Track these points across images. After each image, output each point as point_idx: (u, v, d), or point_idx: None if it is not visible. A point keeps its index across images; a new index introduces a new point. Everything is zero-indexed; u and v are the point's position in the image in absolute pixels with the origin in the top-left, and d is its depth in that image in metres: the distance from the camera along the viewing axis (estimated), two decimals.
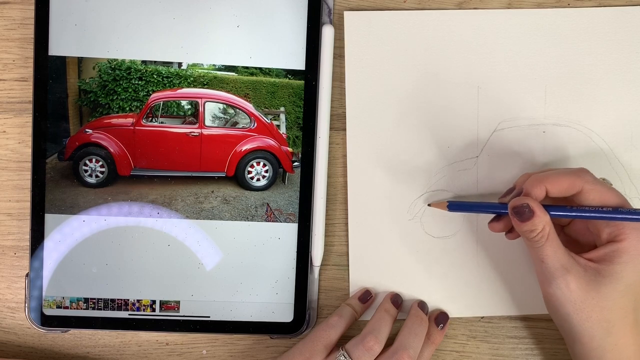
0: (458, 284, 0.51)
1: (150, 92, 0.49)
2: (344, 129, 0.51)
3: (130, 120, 0.49)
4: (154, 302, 0.50)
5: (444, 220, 0.51)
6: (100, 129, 0.49)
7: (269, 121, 0.50)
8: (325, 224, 0.51)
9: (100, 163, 0.50)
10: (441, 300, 0.51)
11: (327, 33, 0.49)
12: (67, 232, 0.49)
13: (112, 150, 0.50)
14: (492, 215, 0.47)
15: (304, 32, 0.49)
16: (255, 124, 0.50)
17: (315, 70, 0.49)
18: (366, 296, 0.50)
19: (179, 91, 0.49)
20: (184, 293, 0.50)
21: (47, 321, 0.50)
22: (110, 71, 0.49)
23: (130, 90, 0.49)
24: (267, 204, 0.50)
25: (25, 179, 0.50)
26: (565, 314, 0.44)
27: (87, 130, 0.49)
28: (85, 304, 0.50)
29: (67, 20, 0.48)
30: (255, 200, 0.50)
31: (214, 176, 0.50)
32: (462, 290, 0.51)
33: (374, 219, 0.51)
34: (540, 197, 0.44)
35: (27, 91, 0.50)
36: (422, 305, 0.50)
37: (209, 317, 0.50)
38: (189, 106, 0.50)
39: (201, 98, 0.50)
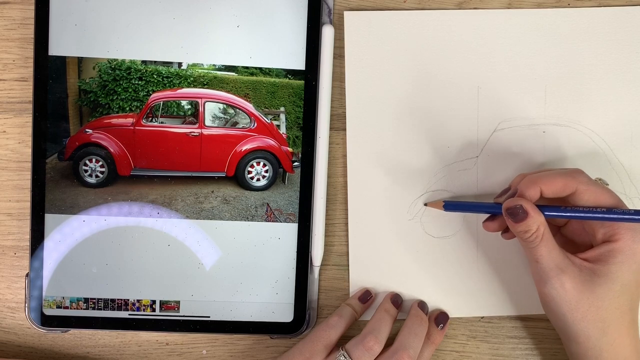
0: (458, 284, 0.51)
1: (150, 92, 0.49)
2: (344, 129, 0.51)
3: (130, 120, 0.49)
4: (154, 302, 0.50)
5: (444, 220, 0.51)
6: (100, 129, 0.49)
7: (269, 121, 0.50)
8: (325, 224, 0.51)
9: (100, 163, 0.50)
10: (441, 300, 0.51)
11: (327, 33, 0.49)
12: (67, 232, 0.49)
13: (112, 150, 0.50)
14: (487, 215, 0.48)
15: (304, 32, 0.49)
16: (255, 124, 0.50)
17: (315, 70, 0.49)
18: (366, 296, 0.50)
19: (179, 91, 0.49)
20: (184, 293, 0.50)
21: (47, 321, 0.50)
22: (110, 71, 0.49)
23: (130, 90, 0.49)
24: (267, 204, 0.50)
25: (25, 179, 0.50)
26: (560, 314, 0.44)
27: (87, 130, 0.49)
28: (85, 304, 0.50)
29: (67, 20, 0.48)
30: (255, 200, 0.50)
31: (214, 176, 0.50)
32: (462, 290, 0.51)
33: (374, 219, 0.51)
34: (535, 198, 0.44)
35: (27, 91, 0.50)
36: (422, 305, 0.50)
37: (209, 317, 0.50)
38: (189, 106, 0.50)
39: (201, 98, 0.50)
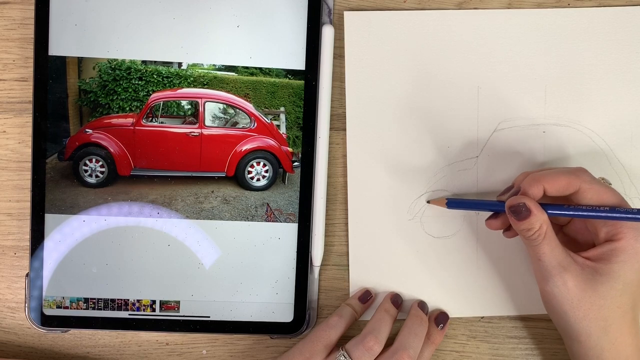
0: (458, 284, 0.51)
1: (150, 92, 0.49)
2: (344, 129, 0.51)
3: (130, 120, 0.49)
4: (154, 302, 0.50)
5: (444, 220, 0.51)
6: (100, 129, 0.49)
7: (269, 121, 0.50)
8: (325, 224, 0.51)
9: (100, 163, 0.50)
10: (441, 300, 0.51)
11: (327, 33, 0.49)
12: (67, 232, 0.49)
13: (112, 150, 0.50)
14: (490, 213, 0.48)
15: (304, 32, 0.49)
16: (255, 124, 0.50)
17: (315, 70, 0.49)
18: (366, 296, 0.50)
19: (179, 91, 0.49)
20: (184, 293, 0.50)
21: (47, 321, 0.50)
22: (110, 71, 0.49)
23: (130, 90, 0.49)
24: (267, 204, 0.50)
25: (25, 179, 0.50)
26: (562, 312, 0.44)
27: (87, 130, 0.49)
28: (85, 304, 0.50)
29: (67, 20, 0.48)
30: (255, 200, 0.50)
31: (214, 176, 0.50)
32: (462, 290, 0.51)
33: (374, 219, 0.51)
34: (538, 196, 0.44)
35: (27, 91, 0.50)
36: (422, 305, 0.50)
37: (209, 317, 0.50)
38: (189, 106, 0.50)
39: (201, 98, 0.50)
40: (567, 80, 0.50)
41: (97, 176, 0.50)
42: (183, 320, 0.50)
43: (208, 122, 0.50)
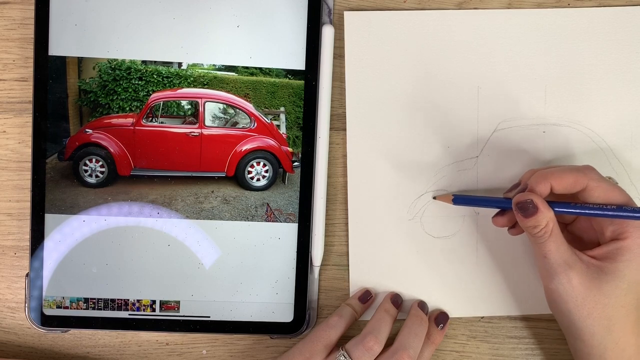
0: (458, 284, 0.51)
1: (150, 92, 0.49)
2: (344, 129, 0.51)
3: (130, 120, 0.49)
4: (154, 302, 0.50)
5: (444, 220, 0.51)
6: (100, 129, 0.49)
7: (269, 121, 0.50)
8: (325, 224, 0.51)
9: (100, 163, 0.50)
10: (441, 300, 0.51)
11: (327, 33, 0.49)
12: (67, 232, 0.49)
13: (112, 150, 0.50)
14: (496, 210, 0.48)
15: (304, 32, 0.49)
16: (255, 124, 0.50)
17: (315, 70, 0.49)
18: (366, 296, 0.50)
19: (179, 91, 0.49)
20: (184, 293, 0.50)
21: (47, 321, 0.50)
22: (110, 71, 0.49)
23: (130, 90, 0.49)
24: (267, 204, 0.50)
25: (25, 179, 0.50)
26: (566, 310, 0.44)
27: (87, 130, 0.49)
28: (85, 304, 0.50)
29: (67, 20, 0.48)
30: (255, 200, 0.50)
31: (214, 176, 0.50)
32: (462, 290, 0.51)
33: (374, 219, 0.51)
34: (545, 194, 0.44)
35: (27, 91, 0.50)
36: (422, 305, 0.50)
37: (209, 317, 0.50)
38: (189, 106, 0.50)
39: (201, 98, 0.50)
40: (567, 80, 0.50)
41: (97, 176, 0.50)
42: (183, 320, 0.50)
43: (208, 122, 0.50)
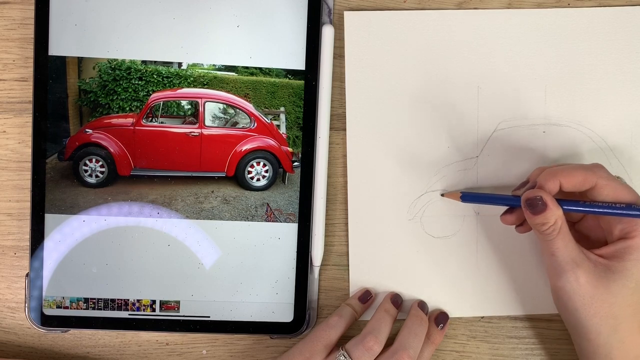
0: (458, 284, 0.51)
1: (150, 92, 0.49)
2: (344, 129, 0.51)
3: (130, 120, 0.49)
4: (154, 302, 0.50)
5: (444, 220, 0.51)
6: (100, 129, 0.49)
7: (269, 121, 0.50)
8: (325, 224, 0.51)
9: (100, 163, 0.50)
10: (441, 300, 0.51)
11: (327, 33, 0.49)
12: (67, 232, 0.49)
13: (112, 150, 0.50)
14: (503, 209, 0.47)
15: (304, 32, 0.49)
16: (255, 124, 0.50)
17: (315, 70, 0.49)
18: (366, 296, 0.50)
19: (179, 91, 0.49)
20: (184, 293, 0.50)
21: (47, 321, 0.50)
22: (110, 71, 0.49)
23: (130, 90, 0.49)
24: (267, 204, 0.50)
25: (25, 179, 0.50)
26: (573, 308, 0.44)
27: (87, 130, 0.49)
28: (85, 304, 0.50)
29: (67, 20, 0.48)
30: (255, 200, 0.50)
31: (214, 176, 0.50)
32: (462, 290, 0.51)
33: (374, 219, 0.51)
34: (554, 191, 0.44)
35: (27, 91, 0.50)
36: (422, 305, 0.50)
37: (209, 317, 0.50)
38: (189, 106, 0.50)
39: (201, 98, 0.50)
40: (567, 80, 0.50)
41: (97, 176, 0.50)
42: (183, 320, 0.50)
43: (208, 122, 0.50)
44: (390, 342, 0.47)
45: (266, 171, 0.50)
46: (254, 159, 0.50)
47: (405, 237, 0.51)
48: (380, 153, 0.50)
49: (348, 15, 0.50)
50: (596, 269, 0.44)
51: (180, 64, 0.49)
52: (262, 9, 0.49)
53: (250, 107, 0.50)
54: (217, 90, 0.50)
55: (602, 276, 0.43)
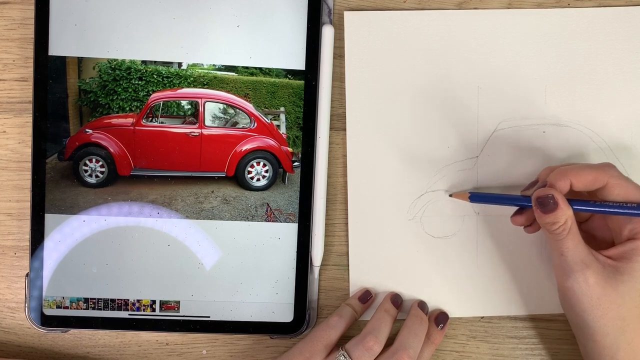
0: (458, 284, 0.51)
1: (150, 92, 0.49)
2: (344, 129, 0.51)
3: (130, 120, 0.49)
4: (154, 302, 0.50)
5: (444, 220, 0.51)
6: (100, 129, 0.49)
7: (269, 121, 0.50)
8: (325, 224, 0.51)
9: (100, 163, 0.50)
10: (441, 300, 0.51)
11: (327, 33, 0.49)
12: (67, 232, 0.49)
13: (112, 150, 0.50)
14: (506, 209, 0.47)
15: (304, 32, 0.49)
16: (255, 124, 0.50)
17: (315, 70, 0.49)
18: (366, 296, 0.50)
19: (179, 91, 0.49)
20: (184, 293, 0.50)
21: (47, 321, 0.50)
22: (110, 71, 0.49)
23: (130, 90, 0.49)
24: (267, 204, 0.50)
25: (25, 179, 0.50)
26: (580, 310, 0.44)
27: (87, 130, 0.49)
28: (85, 304, 0.50)
29: (67, 20, 0.48)
30: (255, 200, 0.50)
31: (214, 176, 0.50)
32: (462, 290, 0.51)
33: (374, 219, 0.51)
34: (565, 190, 0.44)
35: (27, 91, 0.50)
36: (422, 305, 0.50)
37: (209, 317, 0.50)
38: (189, 106, 0.50)
39: (201, 98, 0.50)
40: (567, 80, 0.50)
41: (97, 176, 0.50)
42: (183, 320, 0.50)
43: (208, 122, 0.50)
44: (390, 342, 0.47)
45: (266, 171, 0.50)
46: (254, 159, 0.50)
47: (405, 237, 0.51)
48: (380, 153, 0.50)
49: (348, 15, 0.50)
50: (605, 270, 0.43)
51: (180, 64, 0.49)
52: (262, 9, 0.49)
53: (250, 107, 0.50)
54: (217, 90, 0.50)
55: (611, 277, 0.43)
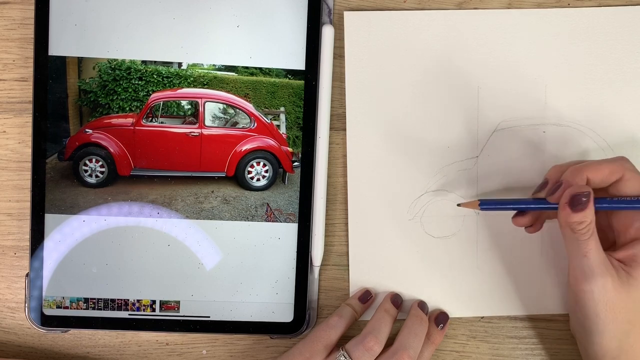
0: (458, 284, 0.51)
1: (150, 92, 0.49)
2: (344, 129, 0.51)
3: (130, 120, 0.49)
4: (154, 302, 0.50)
5: (444, 220, 0.51)
6: (100, 129, 0.49)
7: (269, 121, 0.50)
8: (325, 224, 0.51)
9: (100, 163, 0.50)
10: (441, 300, 0.51)
11: (327, 33, 0.49)
12: (67, 232, 0.49)
13: (112, 150, 0.50)
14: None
15: (304, 32, 0.49)
16: (255, 124, 0.50)
17: (315, 70, 0.49)
18: (366, 296, 0.50)
19: (179, 91, 0.49)
20: (184, 293, 0.50)
21: (47, 321, 0.50)
22: (110, 71, 0.49)
23: (130, 90, 0.49)
24: (267, 204, 0.50)
25: (25, 179, 0.50)
26: (594, 313, 0.43)
27: (87, 130, 0.49)
28: (85, 304, 0.50)
29: (67, 20, 0.48)
30: (255, 200, 0.50)
31: (214, 176, 0.50)
32: (462, 290, 0.51)
33: (374, 219, 0.51)
34: None
35: (27, 91, 0.50)
36: (422, 305, 0.50)
37: (209, 317, 0.50)
38: (189, 106, 0.50)
39: (201, 98, 0.50)
40: (567, 80, 0.50)
41: (97, 176, 0.50)
42: (183, 320, 0.50)
43: (208, 122, 0.50)
44: (390, 342, 0.47)
45: (266, 171, 0.50)
46: (254, 159, 0.50)
47: (405, 237, 0.51)
48: (380, 153, 0.50)
49: (348, 15, 0.50)
50: (619, 274, 0.43)
51: (180, 64, 0.49)
52: (262, 9, 0.49)
53: (250, 107, 0.50)
54: (217, 90, 0.50)
55: (625, 282, 0.42)
